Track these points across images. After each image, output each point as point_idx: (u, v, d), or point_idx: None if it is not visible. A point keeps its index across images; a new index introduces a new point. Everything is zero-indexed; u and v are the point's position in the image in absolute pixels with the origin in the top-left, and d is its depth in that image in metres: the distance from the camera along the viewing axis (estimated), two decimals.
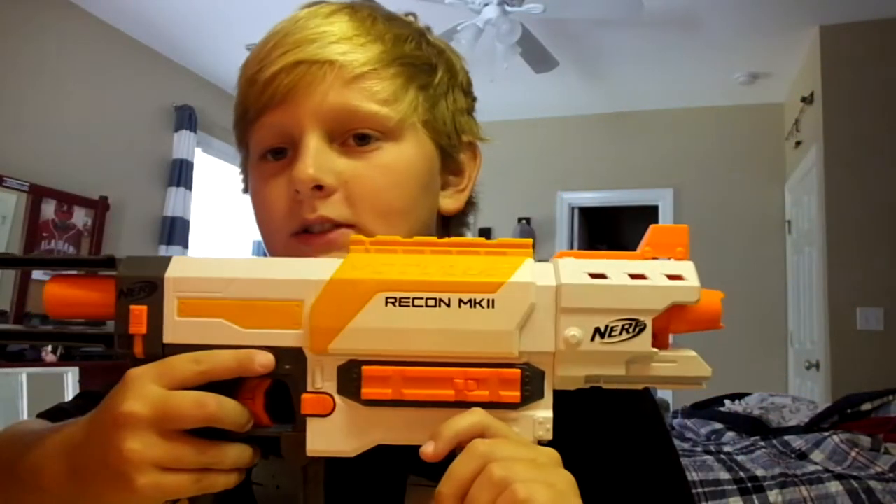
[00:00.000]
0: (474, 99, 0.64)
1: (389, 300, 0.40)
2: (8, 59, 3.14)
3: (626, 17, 3.20)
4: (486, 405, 0.40)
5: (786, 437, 2.02)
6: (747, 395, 2.84)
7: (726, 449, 2.01)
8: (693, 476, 1.70)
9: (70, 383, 2.89)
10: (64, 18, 3.43)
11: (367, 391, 0.40)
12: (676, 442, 0.91)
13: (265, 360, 0.40)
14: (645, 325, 0.40)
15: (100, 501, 0.40)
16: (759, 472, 1.71)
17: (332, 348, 0.40)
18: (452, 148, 0.59)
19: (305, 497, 0.41)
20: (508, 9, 3.09)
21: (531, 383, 0.40)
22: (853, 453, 1.79)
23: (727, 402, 2.76)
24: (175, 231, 4.04)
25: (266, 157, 0.56)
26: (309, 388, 0.41)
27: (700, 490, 1.66)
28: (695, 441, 2.25)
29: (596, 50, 3.89)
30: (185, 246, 4.10)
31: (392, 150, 0.54)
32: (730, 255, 4.28)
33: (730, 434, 2.26)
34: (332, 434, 0.40)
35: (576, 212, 5.08)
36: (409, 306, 0.40)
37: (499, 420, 0.40)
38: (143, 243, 3.96)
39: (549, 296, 0.40)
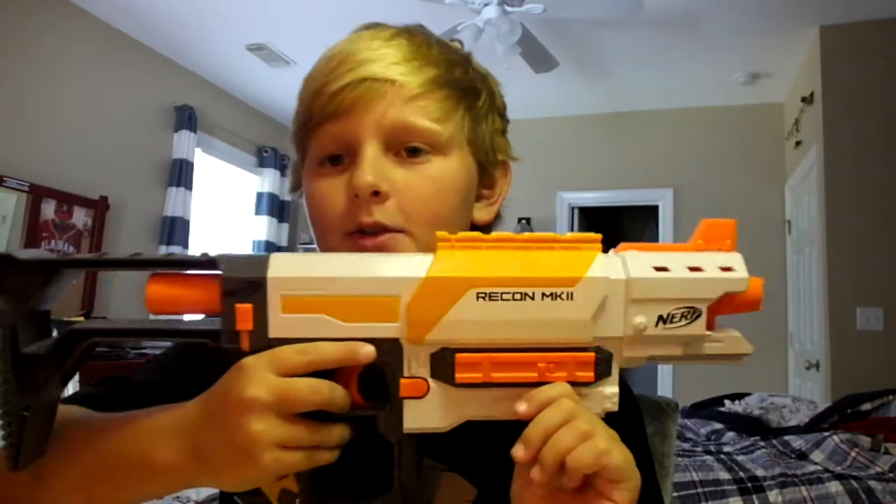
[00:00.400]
0: (508, 121, 0.71)
1: (480, 295, 0.44)
2: (8, 58, 3.14)
3: (626, 17, 3.20)
4: None
5: (786, 438, 2.02)
6: (747, 395, 2.84)
7: (726, 449, 2.01)
8: (693, 476, 1.70)
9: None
10: (64, 18, 3.43)
11: (461, 375, 0.45)
12: (677, 442, 0.92)
13: (368, 351, 0.44)
14: (701, 312, 0.45)
15: (218, 478, 0.43)
16: (759, 473, 1.71)
17: (428, 339, 0.44)
18: (489, 164, 0.66)
19: (399, 467, 0.45)
20: (508, 9, 3.09)
21: (602, 364, 0.45)
22: (853, 453, 1.79)
23: (727, 402, 2.76)
24: (175, 231, 4.04)
25: (324, 163, 0.61)
26: (406, 374, 0.45)
27: (700, 490, 1.66)
28: (695, 441, 2.24)
29: (596, 50, 3.88)
30: (185, 246, 4.10)
31: (440, 164, 0.60)
32: None
33: (730, 434, 2.26)
34: (427, 413, 0.45)
35: (576, 212, 5.07)
36: (497, 300, 0.44)
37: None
38: (143, 243, 3.96)
39: (620, 288, 0.45)
